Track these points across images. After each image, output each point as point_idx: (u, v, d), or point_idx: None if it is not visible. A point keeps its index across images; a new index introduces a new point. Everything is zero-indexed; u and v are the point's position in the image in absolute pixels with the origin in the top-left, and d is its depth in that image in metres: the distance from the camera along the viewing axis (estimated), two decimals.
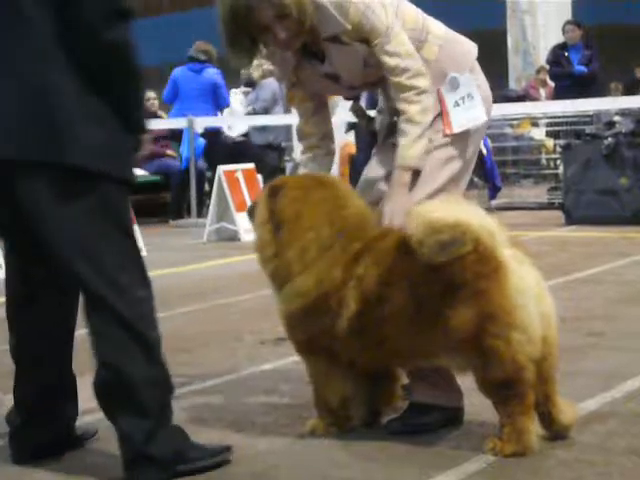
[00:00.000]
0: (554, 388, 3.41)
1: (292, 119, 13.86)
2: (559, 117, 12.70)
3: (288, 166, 14.34)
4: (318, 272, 3.44)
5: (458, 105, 3.86)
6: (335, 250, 3.45)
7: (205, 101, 12.79)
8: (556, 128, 12.98)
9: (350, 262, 3.42)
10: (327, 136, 3.98)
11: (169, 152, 13.20)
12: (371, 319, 3.38)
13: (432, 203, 3.38)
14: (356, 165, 12.38)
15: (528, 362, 3.24)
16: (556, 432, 3.45)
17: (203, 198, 12.58)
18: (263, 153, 13.30)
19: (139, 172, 12.84)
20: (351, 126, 12.30)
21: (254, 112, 13.58)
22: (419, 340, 3.34)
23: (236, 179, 10.50)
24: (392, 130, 3.88)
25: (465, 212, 3.27)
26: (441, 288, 3.26)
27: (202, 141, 13.09)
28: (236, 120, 13.87)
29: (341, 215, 3.49)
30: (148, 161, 12.98)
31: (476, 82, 3.88)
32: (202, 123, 12.83)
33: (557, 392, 3.43)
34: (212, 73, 12.74)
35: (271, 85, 13.81)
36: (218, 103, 13.00)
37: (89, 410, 4.10)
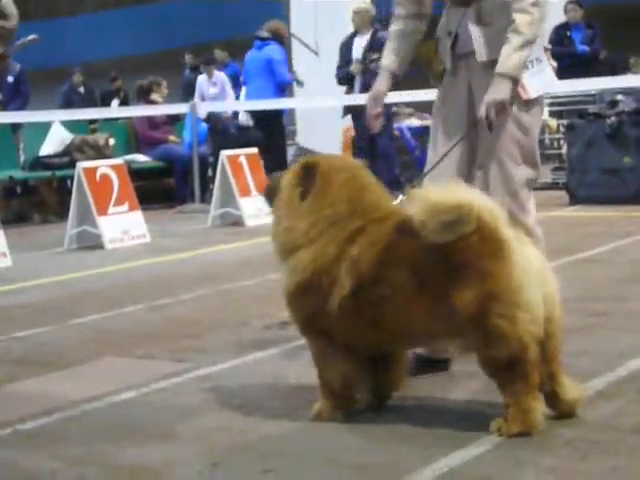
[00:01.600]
0: (559, 367, 3.42)
1: (295, 103, 13.86)
2: (562, 97, 12.66)
3: (290, 150, 14.30)
4: (315, 249, 3.48)
5: (527, 69, 4.00)
6: (334, 228, 3.48)
7: (263, 79, 12.45)
8: (559, 108, 12.93)
9: (345, 242, 3.45)
10: (422, 16, 4.27)
11: (171, 138, 13.19)
12: (366, 300, 3.40)
13: (433, 186, 3.39)
14: (357, 149, 12.28)
15: (532, 341, 3.25)
16: (562, 411, 3.46)
17: (207, 183, 12.57)
18: (264, 137, 13.23)
19: (142, 158, 12.85)
20: (347, 110, 12.26)
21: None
22: (419, 321, 3.36)
23: (239, 164, 10.50)
24: (457, 61, 4.15)
25: (466, 193, 3.28)
26: (444, 268, 3.27)
27: (205, 126, 13.06)
28: (241, 105, 13.81)
29: (359, 197, 3.53)
30: (151, 147, 12.98)
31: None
32: (206, 108, 12.78)
33: (562, 371, 3.44)
34: (269, 49, 12.43)
35: None
36: (275, 80, 12.53)
37: (92, 397, 4.12)
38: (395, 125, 12.68)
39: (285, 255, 3.57)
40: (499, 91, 3.94)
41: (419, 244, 3.28)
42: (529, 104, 4.06)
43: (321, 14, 15.08)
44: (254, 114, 12.56)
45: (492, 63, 4.01)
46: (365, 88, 11.70)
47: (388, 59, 4.29)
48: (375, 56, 11.66)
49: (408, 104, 12.85)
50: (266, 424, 3.67)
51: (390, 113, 12.14)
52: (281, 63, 12.51)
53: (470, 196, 3.26)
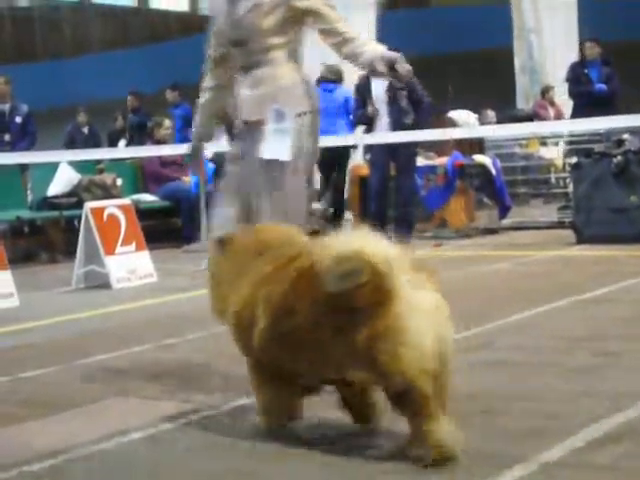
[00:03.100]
0: (442, 406, 3.50)
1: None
2: (578, 135, 12.69)
3: None
4: (235, 295, 3.92)
5: (274, 133, 4.51)
6: (250, 274, 3.88)
7: (341, 118, 13.02)
8: (577, 146, 12.89)
9: (259, 283, 3.82)
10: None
11: (186, 178, 13.19)
12: (280, 332, 3.68)
13: (339, 236, 3.60)
14: (371, 185, 12.26)
15: (420, 373, 3.38)
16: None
17: None
18: None
19: (150, 198, 12.89)
20: (368, 147, 12.36)
21: None
22: (327, 355, 3.58)
23: None
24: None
25: (365, 243, 3.47)
26: (340, 311, 3.48)
27: (212, 165, 13.11)
28: None
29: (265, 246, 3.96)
30: (158, 185, 13.02)
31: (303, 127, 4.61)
32: (212, 148, 12.83)
33: (443, 410, 3.50)
34: (344, 90, 13.05)
35: None
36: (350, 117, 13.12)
37: (98, 438, 4.11)
38: None
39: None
40: (377, 51, 4.47)
41: (321, 287, 3.51)
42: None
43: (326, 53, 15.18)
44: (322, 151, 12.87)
45: (255, 124, 4.63)
46: (396, 125, 11.74)
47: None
48: (403, 93, 11.72)
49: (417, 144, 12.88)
50: (272, 464, 3.65)
51: (414, 152, 12.16)
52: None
53: (367, 247, 3.45)
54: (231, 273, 3.98)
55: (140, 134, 15.76)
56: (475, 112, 15.64)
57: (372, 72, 4.44)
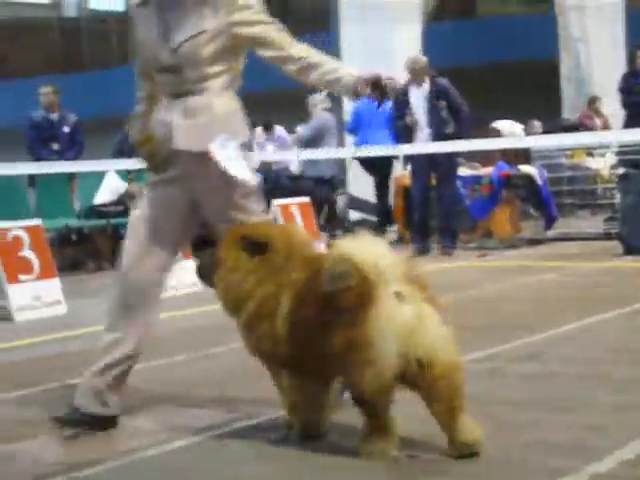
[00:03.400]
0: (455, 408, 3.60)
1: (345, 152, 13.98)
2: (628, 146, 12.59)
3: (340, 199, 14.37)
4: (259, 280, 4.01)
5: (230, 160, 4.30)
6: (277, 271, 3.98)
7: (387, 128, 13.19)
8: (624, 157, 12.77)
9: (287, 273, 3.95)
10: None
11: None
12: (296, 320, 3.82)
13: (346, 240, 3.78)
14: (413, 195, 12.22)
15: (374, 389, 3.58)
16: (459, 452, 3.64)
17: None
18: (315, 186, 13.38)
19: None
20: (409, 158, 12.35)
21: (299, 138, 13.93)
22: (322, 350, 3.72)
23: (291, 213, 10.55)
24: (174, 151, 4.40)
25: (363, 249, 3.64)
26: (331, 310, 3.66)
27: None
28: (289, 154, 13.99)
29: (294, 250, 4.04)
30: None
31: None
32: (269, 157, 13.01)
33: (460, 411, 3.60)
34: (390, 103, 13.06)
35: (322, 117, 13.92)
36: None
37: (144, 446, 4.13)
38: None
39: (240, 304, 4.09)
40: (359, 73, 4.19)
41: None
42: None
43: (371, 64, 15.20)
44: (365, 161, 13.43)
45: (200, 155, 4.28)
46: (437, 134, 11.73)
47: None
48: (443, 103, 11.70)
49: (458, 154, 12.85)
50: (313, 476, 3.65)
51: (455, 161, 12.13)
52: None
53: (361, 251, 3.62)
54: (257, 272, 4.03)
55: None
56: (521, 122, 15.56)
57: (355, 96, 4.22)
